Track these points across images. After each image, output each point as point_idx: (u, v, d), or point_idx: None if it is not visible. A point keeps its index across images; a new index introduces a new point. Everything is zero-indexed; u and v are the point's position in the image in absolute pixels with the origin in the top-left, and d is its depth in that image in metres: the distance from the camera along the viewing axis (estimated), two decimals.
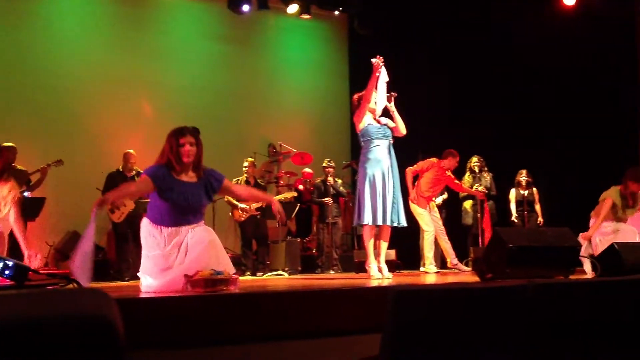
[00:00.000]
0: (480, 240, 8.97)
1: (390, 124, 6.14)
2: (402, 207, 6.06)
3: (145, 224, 4.47)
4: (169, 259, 4.30)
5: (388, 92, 6.13)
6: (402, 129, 6.15)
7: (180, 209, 4.35)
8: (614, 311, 2.24)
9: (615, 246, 5.04)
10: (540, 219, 9.40)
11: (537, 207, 9.46)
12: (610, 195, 6.88)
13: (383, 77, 6.07)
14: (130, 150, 8.48)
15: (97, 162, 9.43)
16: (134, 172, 8.38)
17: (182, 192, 4.35)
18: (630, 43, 9.35)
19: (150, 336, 3.00)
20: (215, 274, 3.95)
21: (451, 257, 8.30)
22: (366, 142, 6.05)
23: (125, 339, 1.26)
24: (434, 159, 8.29)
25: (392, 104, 6.15)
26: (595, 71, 9.54)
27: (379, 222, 5.90)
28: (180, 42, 11.14)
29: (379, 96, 6.08)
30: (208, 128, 10.71)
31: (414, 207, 8.15)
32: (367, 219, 5.87)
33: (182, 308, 3.26)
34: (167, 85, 10.85)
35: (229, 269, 4.22)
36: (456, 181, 8.54)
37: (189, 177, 4.43)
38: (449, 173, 8.34)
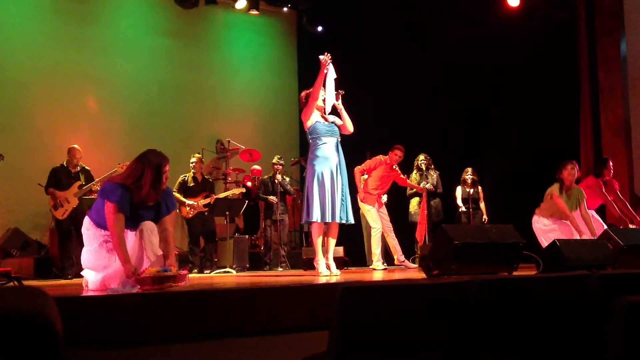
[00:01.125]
0: (426, 237, 9.07)
1: (338, 121, 6.15)
2: (350, 204, 6.09)
3: (88, 222, 4.41)
4: (110, 253, 4.24)
5: (336, 89, 6.13)
6: (350, 127, 6.17)
7: (127, 226, 4.31)
8: (556, 305, 2.29)
9: (557, 243, 5.16)
10: (485, 216, 9.57)
11: (482, 205, 9.64)
12: (554, 190, 7.07)
13: (331, 74, 6.06)
14: (75, 145, 8.30)
15: (39, 156, 9.22)
16: (78, 167, 8.21)
17: (136, 216, 4.31)
18: (572, 43, 9.58)
19: (93, 335, 2.94)
20: (163, 271, 3.90)
21: (398, 254, 8.37)
22: (314, 140, 6.05)
23: (65, 338, 1.22)
24: (381, 157, 8.34)
25: (340, 101, 6.15)
26: (538, 71, 9.74)
27: (328, 219, 5.91)
28: (127, 37, 10.95)
29: (328, 93, 6.08)
30: (155, 124, 10.70)
31: (362, 204, 8.21)
32: (316, 216, 5.87)
33: (126, 306, 3.21)
34: (112, 79, 10.65)
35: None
36: (402, 176, 8.62)
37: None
38: (395, 167, 8.40)
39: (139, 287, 3.91)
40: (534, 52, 9.77)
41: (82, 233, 4.43)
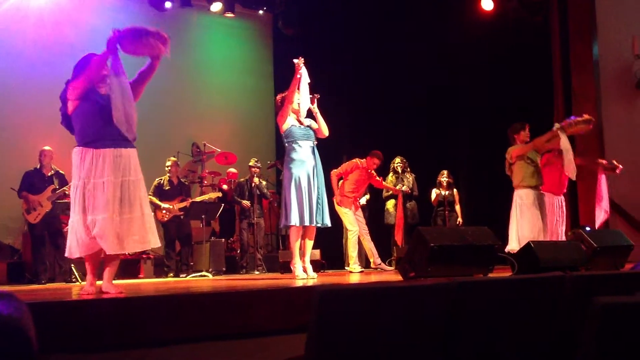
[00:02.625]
0: (402, 240, 9.10)
1: (314, 125, 6.16)
2: (327, 207, 6.10)
3: (75, 153, 4.28)
4: (88, 188, 4.15)
5: (311, 93, 6.13)
6: (325, 131, 6.18)
7: (105, 113, 4.21)
8: (532, 306, 2.31)
9: (532, 245, 5.22)
10: (459, 219, 9.63)
11: (457, 207, 9.70)
12: (511, 150, 7.06)
13: (305, 78, 6.07)
14: (47, 147, 8.20)
15: (11, 160, 9.09)
16: (52, 171, 8.12)
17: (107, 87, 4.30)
18: (546, 46, 9.69)
19: (67, 340, 2.91)
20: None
21: (375, 257, 8.39)
22: (290, 143, 6.05)
23: (39, 343, 1.21)
24: (357, 161, 8.36)
25: (315, 105, 6.16)
26: (513, 74, 9.83)
27: (306, 222, 5.91)
28: (100, 39, 10.79)
29: (302, 97, 6.08)
30: None
31: (339, 208, 8.22)
32: (294, 220, 5.88)
33: (100, 311, 3.17)
34: None
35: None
36: (377, 178, 8.66)
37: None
38: (372, 171, 8.44)
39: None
40: (508, 56, 9.85)
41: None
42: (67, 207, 7.58)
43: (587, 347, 1.51)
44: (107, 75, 4.28)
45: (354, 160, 8.40)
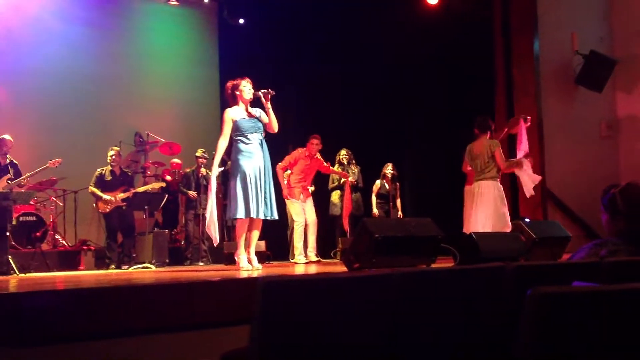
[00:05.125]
0: (347, 231, 9.14)
1: (264, 117, 6.13)
2: (275, 200, 6.10)
3: None
4: None
5: (266, 89, 6.12)
6: (275, 127, 6.19)
7: None
8: (471, 295, 2.35)
9: (473, 236, 5.32)
10: (400, 213, 9.70)
11: (398, 201, 9.77)
12: (499, 151, 7.16)
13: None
14: (6, 136, 7.99)
15: None
16: (7, 160, 7.91)
17: None
18: (489, 41, 9.85)
19: (4, 334, 2.83)
20: None
21: (308, 250, 8.28)
22: (238, 136, 6.03)
23: None
24: (299, 150, 8.36)
25: (269, 102, 6.13)
26: (455, 68, 9.97)
27: (252, 215, 5.90)
28: (39, 25, 10.50)
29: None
30: (71, 115, 10.35)
31: (285, 199, 8.21)
32: (240, 213, 5.86)
33: (40, 303, 3.10)
34: (24, 69, 10.18)
35: None
36: (325, 164, 8.62)
37: None
38: (318, 156, 8.40)
39: None
40: (451, 51, 9.98)
41: None
42: (20, 197, 7.37)
43: (526, 336, 1.55)
44: None
45: (296, 150, 8.39)
